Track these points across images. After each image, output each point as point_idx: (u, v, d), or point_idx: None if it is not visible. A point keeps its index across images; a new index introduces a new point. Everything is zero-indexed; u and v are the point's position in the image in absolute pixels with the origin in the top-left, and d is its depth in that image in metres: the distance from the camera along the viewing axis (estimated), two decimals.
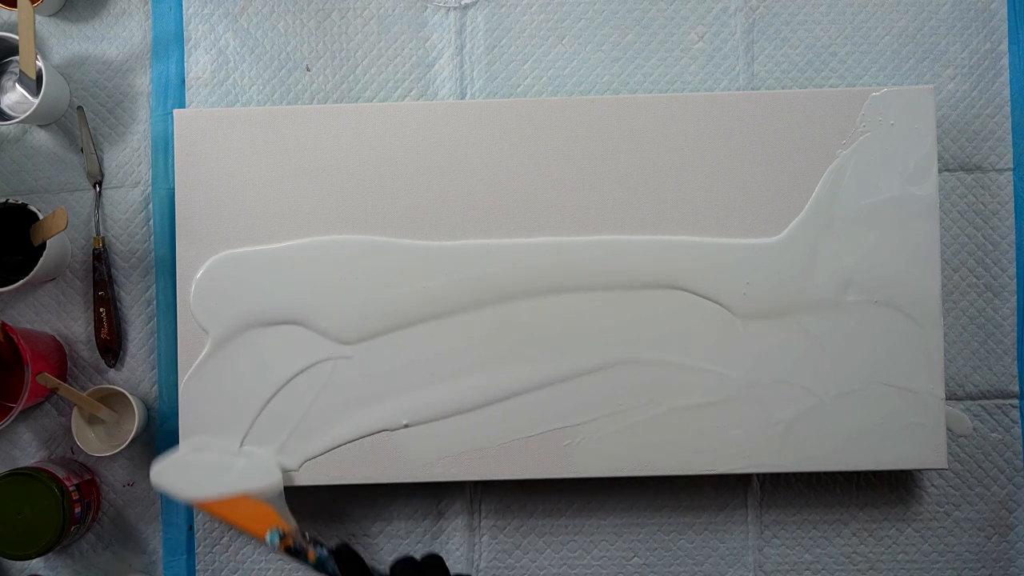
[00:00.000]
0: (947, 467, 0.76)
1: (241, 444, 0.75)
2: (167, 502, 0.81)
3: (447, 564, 0.70)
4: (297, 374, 0.75)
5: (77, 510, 0.75)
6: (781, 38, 0.83)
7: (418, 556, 0.70)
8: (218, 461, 0.74)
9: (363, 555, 0.70)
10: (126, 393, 0.78)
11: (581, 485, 0.81)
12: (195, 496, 0.73)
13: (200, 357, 0.75)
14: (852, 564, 0.81)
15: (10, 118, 0.79)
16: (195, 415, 0.75)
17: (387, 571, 0.68)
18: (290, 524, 0.71)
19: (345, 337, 0.75)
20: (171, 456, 0.74)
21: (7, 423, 0.74)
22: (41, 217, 0.76)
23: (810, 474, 0.81)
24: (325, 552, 0.70)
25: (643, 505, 0.81)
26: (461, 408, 0.75)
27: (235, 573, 0.81)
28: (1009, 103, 0.82)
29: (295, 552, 0.70)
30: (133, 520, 0.81)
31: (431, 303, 0.75)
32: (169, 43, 0.84)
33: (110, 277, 0.81)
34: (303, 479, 0.75)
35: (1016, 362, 0.82)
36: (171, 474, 0.74)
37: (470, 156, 0.77)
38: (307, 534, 0.71)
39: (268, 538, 0.70)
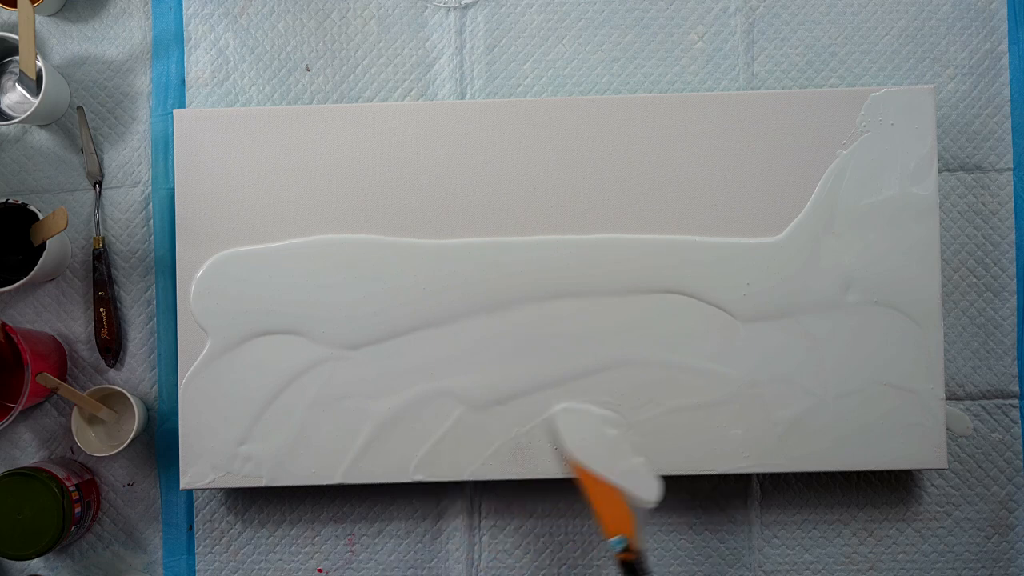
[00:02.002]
0: (947, 467, 0.76)
1: (243, 445, 0.75)
2: (167, 502, 0.81)
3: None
4: (298, 374, 0.75)
5: (77, 510, 0.75)
6: (781, 38, 0.83)
7: None
8: (618, 444, 0.73)
9: None
10: (126, 393, 0.78)
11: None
12: (581, 459, 0.72)
13: (200, 357, 0.75)
14: (852, 564, 0.81)
15: (10, 118, 0.79)
16: (195, 415, 0.75)
17: None
18: (638, 542, 0.70)
19: (344, 336, 0.75)
20: (585, 408, 0.74)
21: (7, 423, 0.74)
22: (41, 217, 0.76)
23: (810, 474, 0.81)
24: None
25: None
26: (463, 407, 0.75)
27: (235, 573, 0.81)
28: (1009, 103, 0.82)
29: (628, 569, 0.69)
30: (133, 520, 0.81)
31: (431, 303, 0.75)
32: (169, 43, 0.84)
33: (110, 277, 0.81)
34: (303, 479, 0.75)
35: (1016, 362, 0.82)
36: (572, 420, 0.73)
37: (470, 156, 0.77)
38: (646, 564, 0.70)
39: (615, 540, 0.69)
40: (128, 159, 0.83)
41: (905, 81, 0.83)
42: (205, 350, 0.75)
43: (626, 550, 0.69)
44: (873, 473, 0.81)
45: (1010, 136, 0.82)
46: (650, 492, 0.71)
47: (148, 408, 0.81)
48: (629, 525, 0.70)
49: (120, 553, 0.81)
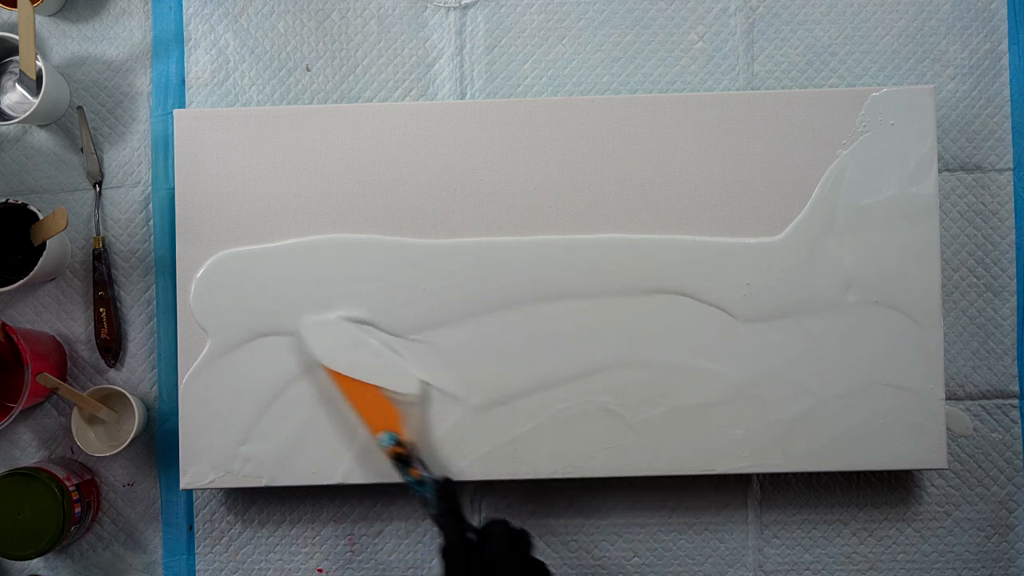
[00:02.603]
0: (947, 467, 0.76)
1: (243, 445, 0.75)
2: (167, 502, 0.81)
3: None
4: (298, 374, 0.75)
5: (77, 510, 0.75)
6: (781, 38, 0.83)
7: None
8: (372, 346, 0.74)
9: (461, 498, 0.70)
10: (126, 393, 0.78)
11: (581, 485, 0.81)
12: (332, 364, 0.72)
13: (200, 357, 0.75)
14: (852, 564, 0.81)
15: (10, 118, 0.79)
16: (195, 415, 0.75)
17: (478, 526, 0.68)
18: (407, 435, 0.71)
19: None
20: (330, 317, 0.74)
21: (7, 423, 0.74)
22: (41, 217, 0.76)
23: (810, 474, 0.81)
24: (429, 476, 0.69)
25: (643, 505, 0.81)
26: (463, 407, 0.75)
27: (235, 573, 0.81)
28: (1009, 103, 0.82)
29: (402, 461, 0.69)
30: (133, 520, 0.81)
31: (431, 303, 0.75)
32: (169, 43, 0.84)
33: (110, 277, 0.81)
34: (303, 479, 0.75)
35: (1016, 362, 0.82)
36: (321, 331, 0.73)
37: (470, 156, 0.77)
38: (419, 454, 0.71)
39: (381, 438, 0.70)
40: (128, 159, 0.83)
41: (905, 81, 0.83)
42: (205, 350, 0.75)
43: (397, 444, 0.70)
44: (873, 473, 0.81)
45: (1010, 136, 0.82)
46: (409, 385, 0.72)
47: (148, 408, 0.81)
48: (395, 421, 0.71)
49: (120, 553, 0.81)
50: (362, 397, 0.72)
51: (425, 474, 0.70)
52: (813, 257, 0.75)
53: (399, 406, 0.72)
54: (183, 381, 0.75)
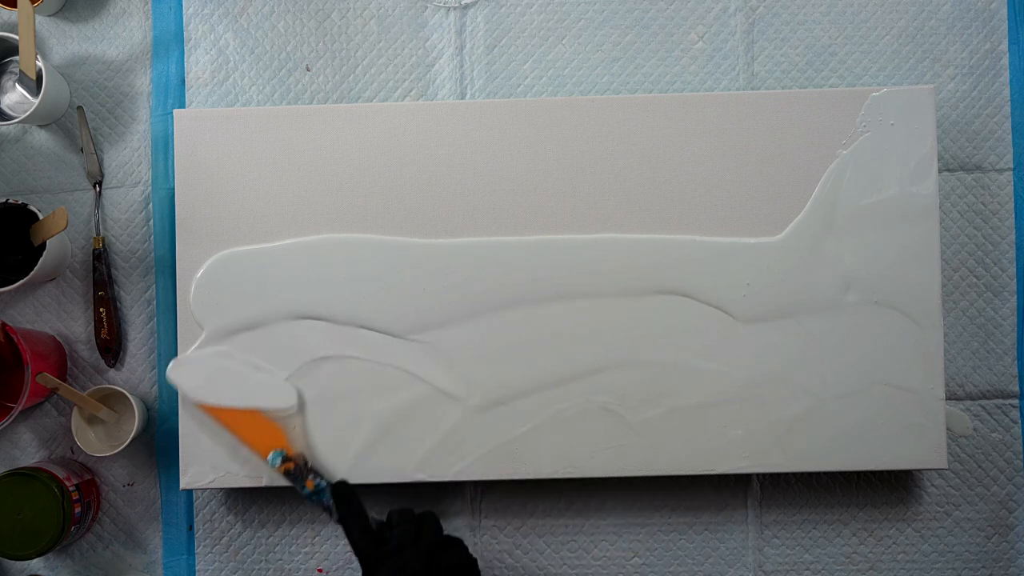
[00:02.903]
0: (947, 467, 0.76)
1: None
2: (167, 502, 0.81)
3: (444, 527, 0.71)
4: (297, 373, 0.75)
5: (77, 510, 0.75)
6: (781, 38, 0.83)
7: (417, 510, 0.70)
8: (236, 370, 0.73)
9: (360, 496, 0.70)
10: (126, 393, 0.78)
11: (581, 485, 0.81)
12: (205, 400, 0.72)
13: (195, 345, 0.75)
14: (852, 564, 0.81)
15: (10, 118, 0.79)
16: (195, 415, 0.75)
17: (383, 519, 0.69)
18: (295, 449, 0.71)
19: (344, 336, 0.75)
20: (191, 354, 0.74)
21: (7, 423, 0.74)
22: (41, 217, 0.76)
23: (810, 474, 0.81)
24: (324, 483, 0.70)
25: (643, 505, 0.81)
26: (463, 407, 0.75)
27: (235, 573, 0.81)
28: (1009, 103, 0.82)
29: (294, 477, 0.70)
30: (133, 520, 0.81)
31: (431, 303, 0.75)
32: (169, 43, 0.84)
33: (110, 277, 0.81)
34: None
35: (1016, 362, 0.82)
36: (187, 372, 0.73)
37: (470, 156, 0.77)
38: (310, 464, 0.71)
39: (270, 458, 0.70)
40: (128, 159, 0.83)
41: (905, 81, 0.83)
42: (200, 340, 0.75)
43: (286, 460, 0.70)
44: (873, 473, 0.81)
45: (1010, 136, 0.82)
46: (287, 398, 0.72)
47: (148, 408, 0.81)
48: (280, 437, 0.71)
49: (120, 553, 0.81)
50: (243, 424, 0.72)
51: (319, 481, 0.70)
52: (813, 257, 0.75)
53: (281, 421, 0.72)
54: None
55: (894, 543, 0.81)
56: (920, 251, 0.75)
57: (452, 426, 0.75)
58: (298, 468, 0.70)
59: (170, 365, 0.74)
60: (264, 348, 0.75)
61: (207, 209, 0.77)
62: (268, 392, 0.73)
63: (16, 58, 0.81)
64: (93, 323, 0.81)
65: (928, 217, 0.75)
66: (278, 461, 0.70)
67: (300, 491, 0.70)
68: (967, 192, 0.82)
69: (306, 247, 0.76)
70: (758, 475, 0.81)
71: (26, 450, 0.82)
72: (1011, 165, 0.82)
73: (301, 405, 0.74)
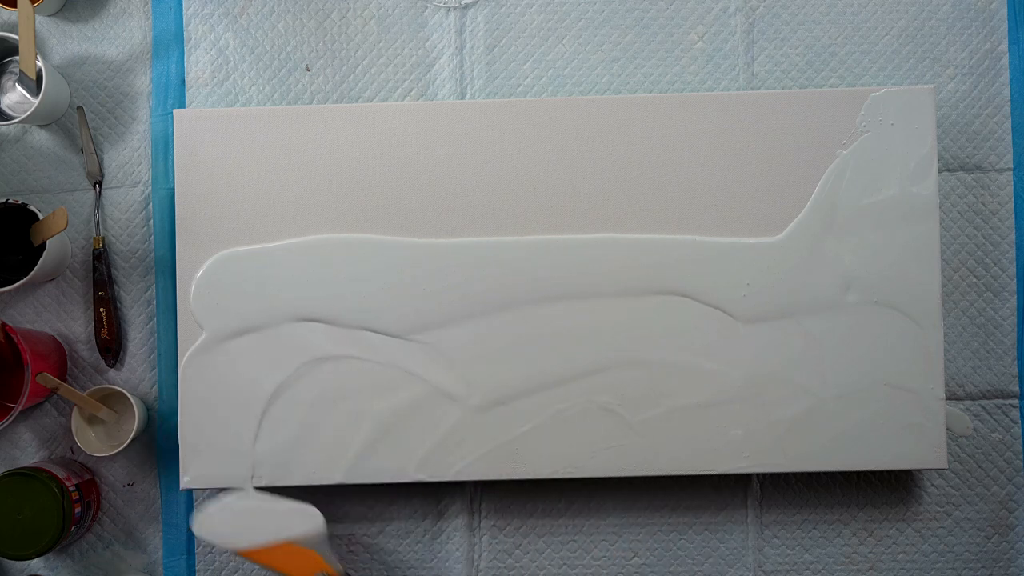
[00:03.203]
0: (947, 467, 0.76)
1: (243, 445, 0.75)
2: (167, 502, 0.81)
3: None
4: (298, 374, 0.75)
5: (77, 510, 0.75)
6: (781, 38, 0.83)
7: None
8: (259, 507, 0.74)
9: None
10: (126, 393, 0.78)
11: (581, 485, 0.81)
12: (238, 545, 0.73)
13: (195, 344, 0.75)
14: (852, 564, 0.81)
15: (10, 118, 0.79)
16: (195, 414, 0.75)
17: None
18: (335, 567, 0.71)
19: (344, 336, 0.75)
20: (212, 505, 0.74)
21: (7, 423, 0.74)
22: (41, 217, 0.76)
23: (810, 474, 0.81)
24: None
25: (643, 505, 0.81)
26: (463, 407, 0.75)
27: (235, 573, 0.81)
28: (1009, 103, 0.82)
29: None
30: (133, 520, 0.81)
31: (431, 303, 0.75)
32: (169, 43, 0.84)
33: (110, 277, 0.81)
34: (303, 479, 0.75)
35: (1016, 362, 0.82)
36: (212, 523, 0.74)
37: (470, 156, 0.77)
38: None
39: None
40: (128, 159, 0.83)
41: (905, 81, 0.83)
42: (200, 340, 0.75)
43: None
44: (873, 473, 0.81)
45: (1010, 136, 0.82)
46: (313, 521, 0.73)
47: (148, 408, 0.81)
48: (319, 562, 0.71)
49: (120, 553, 0.81)
50: (281, 558, 0.72)
51: None
52: (813, 257, 0.75)
53: (312, 545, 0.73)
54: (180, 382, 0.75)
55: (894, 543, 0.81)
56: (920, 251, 0.75)
57: (452, 426, 0.75)
58: None
59: (193, 523, 0.74)
60: (264, 348, 0.75)
61: (207, 209, 0.77)
62: (295, 520, 0.73)
63: (16, 58, 0.81)
64: (93, 323, 0.81)
65: (928, 217, 0.75)
66: None
67: None
68: (967, 192, 0.82)
69: (306, 247, 0.76)
70: (758, 475, 0.81)
71: (26, 450, 0.82)
72: (1011, 165, 0.82)
73: (324, 524, 0.74)
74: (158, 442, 0.81)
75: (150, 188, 0.82)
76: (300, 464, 0.75)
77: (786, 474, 0.81)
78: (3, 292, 0.76)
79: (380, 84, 0.83)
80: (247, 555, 0.73)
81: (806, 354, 0.75)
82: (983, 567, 0.81)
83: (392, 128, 0.77)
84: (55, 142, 0.83)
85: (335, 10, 0.84)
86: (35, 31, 0.77)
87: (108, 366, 0.82)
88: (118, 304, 0.82)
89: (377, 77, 0.83)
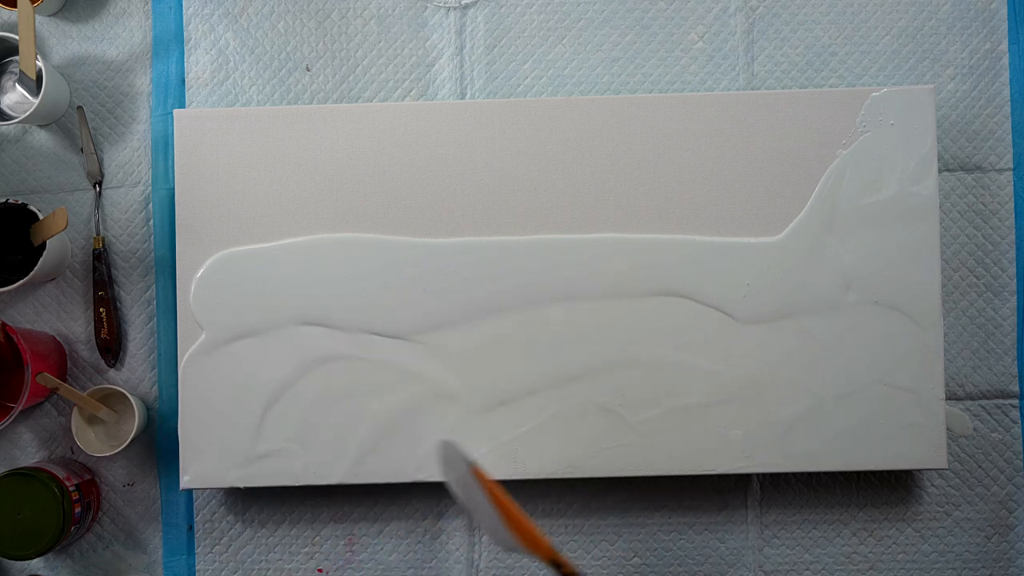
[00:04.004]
0: (947, 467, 0.76)
1: (243, 445, 0.75)
2: (167, 502, 0.81)
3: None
4: (298, 374, 0.75)
5: (77, 510, 0.75)
6: (781, 38, 0.83)
7: None
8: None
9: None
10: (126, 393, 0.78)
11: (581, 485, 0.81)
12: (488, 473, 0.63)
13: (195, 345, 0.75)
14: (852, 564, 0.81)
15: (10, 118, 0.79)
16: (195, 414, 0.75)
17: None
18: (566, 560, 0.63)
19: (345, 336, 0.75)
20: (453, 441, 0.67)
21: (7, 423, 0.74)
22: (41, 217, 0.76)
23: (810, 474, 0.81)
24: None
25: (643, 505, 0.81)
26: (463, 407, 0.75)
27: (235, 573, 0.81)
28: (1009, 103, 0.82)
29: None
30: (133, 520, 0.81)
31: (431, 302, 0.75)
32: (169, 43, 0.84)
33: (110, 277, 0.81)
34: (303, 479, 0.75)
35: (1016, 362, 0.82)
36: (451, 452, 0.66)
37: (470, 156, 0.77)
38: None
39: (549, 563, 0.62)
40: (128, 159, 0.83)
41: (905, 81, 0.83)
42: (200, 339, 0.75)
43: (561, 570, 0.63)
44: (873, 473, 0.81)
45: (1010, 136, 0.82)
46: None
47: (148, 408, 0.81)
48: (552, 549, 0.64)
49: (120, 553, 0.81)
50: (522, 523, 0.63)
51: None
52: (813, 257, 0.75)
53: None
54: (180, 382, 0.75)
55: (894, 543, 0.81)
56: (920, 251, 0.75)
57: (452, 426, 0.75)
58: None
59: (444, 440, 0.66)
60: (264, 348, 0.75)
61: (207, 209, 0.77)
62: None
63: (16, 58, 0.81)
64: (93, 323, 0.81)
65: (928, 217, 0.75)
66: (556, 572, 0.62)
67: None
68: (967, 192, 0.82)
69: (306, 247, 0.76)
70: (758, 475, 0.81)
71: (26, 450, 0.82)
72: (1011, 165, 0.82)
73: None
74: (158, 442, 0.81)
75: (150, 188, 0.82)
76: (300, 464, 0.75)
77: (786, 474, 0.81)
78: (3, 292, 0.76)
79: (380, 84, 0.83)
80: (493, 491, 0.63)
81: (806, 354, 0.75)
82: (983, 567, 0.81)
83: (392, 128, 0.77)
84: (55, 142, 0.83)
85: (335, 10, 0.84)
86: (35, 31, 0.77)
87: (108, 366, 0.82)
88: (118, 304, 0.82)
89: (377, 77, 0.83)
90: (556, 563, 0.61)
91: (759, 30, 0.83)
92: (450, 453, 0.66)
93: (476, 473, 0.63)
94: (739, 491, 0.81)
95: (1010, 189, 0.82)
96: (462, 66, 0.83)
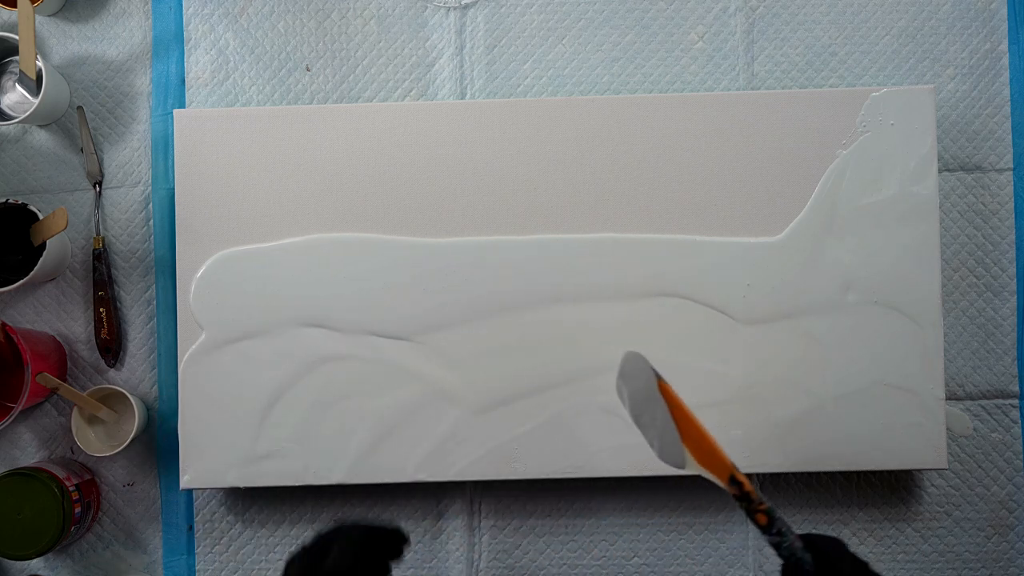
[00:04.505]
0: (947, 467, 0.76)
1: (243, 445, 0.75)
2: (167, 502, 0.81)
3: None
4: (298, 374, 0.75)
5: (77, 510, 0.75)
6: (781, 38, 0.83)
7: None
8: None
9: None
10: (126, 393, 0.78)
11: (581, 485, 0.81)
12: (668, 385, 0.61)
13: (195, 344, 0.75)
14: None
15: (10, 118, 0.79)
16: (196, 415, 0.75)
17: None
18: (744, 479, 0.60)
19: (345, 336, 0.75)
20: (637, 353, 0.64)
21: (7, 423, 0.74)
22: (41, 217, 0.76)
23: (810, 474, 0.81)
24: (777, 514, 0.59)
25: (643, 505, 0.81)
26: (463, 407, 0.75)
27: (235, 573, 0.81)
28: (1009, 103, 0.82)
29: (744, 499, 0.58)
30: (133, 520, 0.81)
31: (431, 302, 0.75)
32: (169, 43, 0.84)
33: (110, 277, 0.81)
34: (303, 479, 0.75)
35: (1016, 362, 0.82)
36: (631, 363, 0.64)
37: (470, 156, 0.77)
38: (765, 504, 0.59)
39: (729, 478, 0.59)
40: (128, 159, 0.83)
41: (905, 81, 0.83)
42: (200, 339, 0.75)
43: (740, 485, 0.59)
44: (873, 473, 0.81)
45: (1010, 136, 0.82)
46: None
47: (148, 408, 0.81)
48: (731, 465, 0.60)
49: (120, 553, 0.81)
50: (700, 435, 0.60)
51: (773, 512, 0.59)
52: (813, 257, 0.75)
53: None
54: (180, 382, 0.75)
55: (894, 543, 0.81)
56: (920, 251, 0.75)
57: (452, 426, 0.75)
58: (758, 493, 0.59)
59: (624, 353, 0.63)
60: (264, 348, 0.75)
61: (207, 209, 0.77)
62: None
63: (16, 58, 0.81)
64: (93, 323, 0.81)
65: (928, 217, 0.75)
66: (736, 486, 0.59)
67: (749, 519, 0.60)
68: (967, 192, 0.82)
69: (306, 247, 0.76)
70: (758, 475, 0.81)
71: (26, 450, 0.82)
72: (1011, 165, 0.82)
73: None
74: (158, 442, 0.81)
75: (150, 188, 0.82)
76: (300, 464, 0.75)
77: (786, 474, 0.81)
78: (3, 292, 0.76)
79: (380, 84, 0.83)
80: (679, 405, 0.60)
81: (806, 354, 0.75)
82: (983, 567, 0.81)
83: (392, 128, 0.77)
84: (55, 142, 0.83)
85: (335, 10, 0.84)
86: (35, 31, 0.77)
87: (108, 366, 0.82)
88: (118, 304, 0.82)
89: (377, 77, 0.83)
90: (736, 481, 0.59)
91: (759, 30, 0.83)
92: (634, 364, 0.64)
93: (661, 386, 0.61)
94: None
95: (1010, 189, 0.82)
96: (462, 66, 0.83)
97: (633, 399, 0.63)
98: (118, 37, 0.84)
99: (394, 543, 0.63)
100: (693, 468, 0.61)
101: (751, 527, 0.81)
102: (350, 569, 0.59)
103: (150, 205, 0.82)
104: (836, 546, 0.60)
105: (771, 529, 0.59)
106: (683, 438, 0.61)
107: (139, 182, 0.83)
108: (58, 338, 0.82)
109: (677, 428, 0.61)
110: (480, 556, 0.81)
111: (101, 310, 0.81)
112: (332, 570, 0.58)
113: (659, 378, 0.62)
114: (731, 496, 0.60)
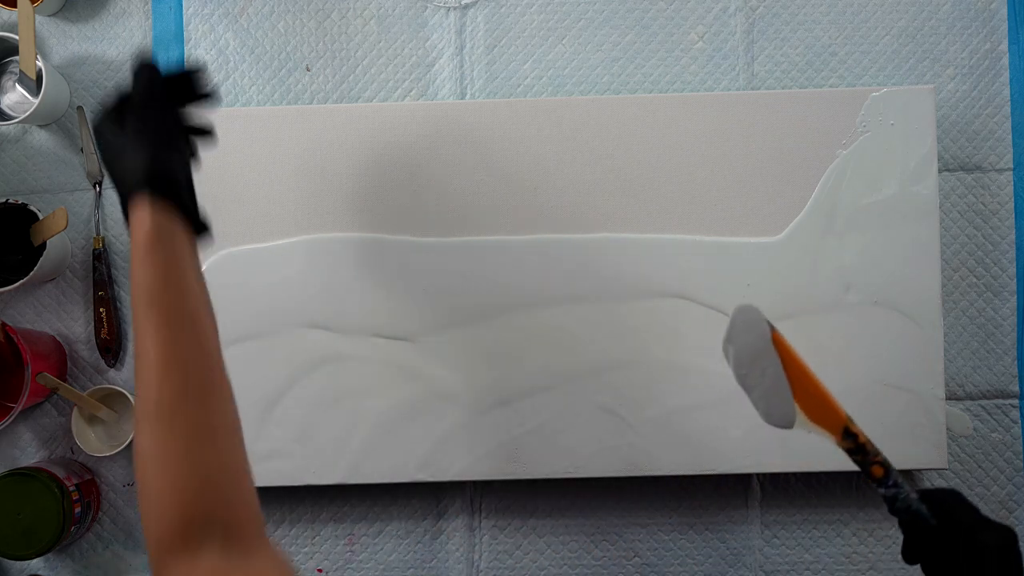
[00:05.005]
0: (947, 467, 0.76)
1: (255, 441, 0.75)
2: None
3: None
4: (298, 374, 0.75)
5: (77, 510, 0.75)
6: (781, 38, 0.83)
7: None
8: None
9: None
10: (126, 393, 0.78)
11: (581, 485, 0.81)
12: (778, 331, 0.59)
13: None
14: (852, 564, 0.81)
15: (10, 118, 0.79)
16: None
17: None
18: (861, 431, 0.59)
19: (345, 336, 0.75)
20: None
21: (7, 423, 0.74)
22: (41, 217, 0.76)
23: (810, 474, 0.81)
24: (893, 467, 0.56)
25: (643, 505, 0.81)
26: (463, 407, 0.75)
27: None
28: (1009, 103, 0.82)
29: (859, 452, 0.57)
30: (133, 520, 0.81)
31: (431, 302, 0.75)
32: (169, 43, 0.84)
33: (110, 277, 0.81)
34: (303, 479, 0.75)
35: (1016, 362, 0.82)
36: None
37: (470, 155, 0.77)
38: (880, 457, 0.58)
39: (843, 430, 0.58)
40: None
41: (905, 81, 0.83)
42: None
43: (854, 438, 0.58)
44: None
45: (1010, 136, 0.82)
46: None
47: None
48: (846, 417, 0.59)
49: (120, 553, 0.81)
50: (815, 388, 0.59)
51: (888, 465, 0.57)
52: (813, 257, 0.75)
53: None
54: None
55: (894, 543, 0.81)
56: (920, 251, 0.75)
57: (452, 426, 0.75)
58: (872, 445, 0.58)
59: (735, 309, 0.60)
60: (264, 348, 0.75)
61: (207, 209, 0.76)
62: None
63: (16, 58, 0.81)
64: (93, 323, 0.81)
65: (928, 217, 0.75)
66: (851, 438, 0.58)
67: (863, 474, 0.58)
68: (967, 192, 0.82)
69: (306, 247, 0.76)
70: (758, 475, 0.81)
71: (26, 450, 0.82)
72: (1011, 165, 0.82)
73: None
74: None
75: None
76: (300, 464, 0.75)
77: (786, 474, 0.81)
78: (3, 292, 0.76)
79: (380, 84, 0.83)
80: (794, 358, 0.59)
81: (806, 354, 0.75)
82: None
83: (392, 128, 0.77)
84: (55, 142, 0.83)
85: (335, 10, 0.84)
86: (35, 31, 0.77)
87: (108, 366, 0.82)
88: (118, 304, 0.82)
89: (377, 77, 0.83)
90: (851, 433, 0.58)
91: (759, 30, 0.83)
92: (748, 317, 0.60)
93: (775, 337, 0.59)
94: (739, 491, 0.81)
95: (1010, 189, 0.82)
96: (462, 66, 0.83)
97: (739, 357, 0.60)
98: (118, 37, 0.84)
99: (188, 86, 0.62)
100: (803, 426, 0.59)
101: (752, 527, 0.81)
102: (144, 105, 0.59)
103: None
104: (954, 497, 0.56)
105: (887, 481, 0.56)
106: (795, 393, 0.59)
107: None
108: (58, 338, 0.82)
109: (789, 383, 0.59)
110: (480, 556, 0.81)
111: (101, 310, 0.81)
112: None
113: (774, 330, 0.59)
114: (844, 451, 0.57)
